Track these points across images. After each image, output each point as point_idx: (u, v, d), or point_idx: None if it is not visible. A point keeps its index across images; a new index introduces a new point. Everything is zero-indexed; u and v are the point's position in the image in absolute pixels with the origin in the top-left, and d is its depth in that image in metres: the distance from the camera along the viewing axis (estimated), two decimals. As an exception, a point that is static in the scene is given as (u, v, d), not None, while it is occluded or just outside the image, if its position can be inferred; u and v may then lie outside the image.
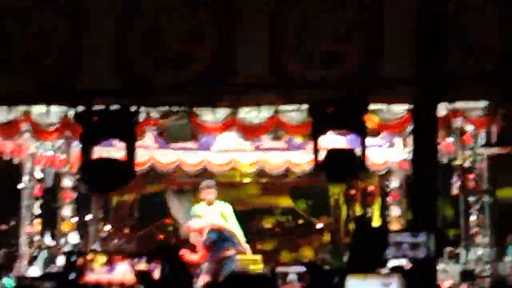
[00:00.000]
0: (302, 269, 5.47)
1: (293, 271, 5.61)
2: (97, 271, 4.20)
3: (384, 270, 4.38)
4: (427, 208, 6.72)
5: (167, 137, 10.60)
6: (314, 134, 7.36)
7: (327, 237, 16.83)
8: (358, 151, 6.98)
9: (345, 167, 6.85)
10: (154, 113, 9.62)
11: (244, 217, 12.02)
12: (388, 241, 4.91)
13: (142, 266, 3.82)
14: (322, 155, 7.07)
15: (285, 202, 18.30)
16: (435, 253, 5.07)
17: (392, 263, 6.74)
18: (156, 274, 3.80)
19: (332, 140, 8.34)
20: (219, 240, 10.49)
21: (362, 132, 7.17)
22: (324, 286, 3.37)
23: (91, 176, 7.45)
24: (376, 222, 8.43)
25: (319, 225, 11.99)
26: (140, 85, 8.85)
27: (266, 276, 3.82)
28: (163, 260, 3.85)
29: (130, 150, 7.47)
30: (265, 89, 8.86)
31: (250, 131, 9.88)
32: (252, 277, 3.21)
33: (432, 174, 6.86)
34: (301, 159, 13.17)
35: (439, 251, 5.09)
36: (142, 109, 8.84)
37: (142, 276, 3.75)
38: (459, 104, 8.90)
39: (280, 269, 5.70)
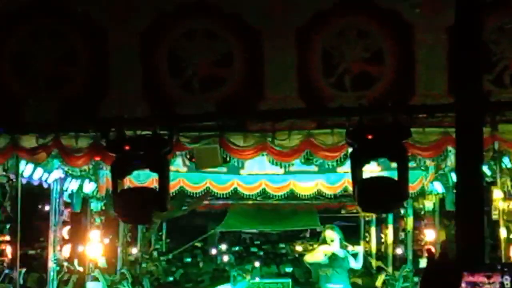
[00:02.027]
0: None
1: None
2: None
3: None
4: (475, 233, 6.44)
5: (197, 162, 10.44)
6: (353, 162, 7.08)
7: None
8: (399, 180, 6.70)
9: (386, 197, 6.60)
10: (184, 138, 9.49)
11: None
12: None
13: None
14: (361, 185, 6.80)
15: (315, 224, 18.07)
16: None
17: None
18: None
19: (370, 168, 8.09)
20: None
21: (403, 159, 6.89)
22: None
23: (123, 207, 7.29)
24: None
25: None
26: (169, 111, 8.70)
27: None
28: None
29: (164, 181, 7.30)
30: (296, 114, 8.67)
31: (281, 156, 9.68)
32: None
33: (478, 198, 6.55)
34: (332, 182, 12.99)
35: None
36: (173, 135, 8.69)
37: None
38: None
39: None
